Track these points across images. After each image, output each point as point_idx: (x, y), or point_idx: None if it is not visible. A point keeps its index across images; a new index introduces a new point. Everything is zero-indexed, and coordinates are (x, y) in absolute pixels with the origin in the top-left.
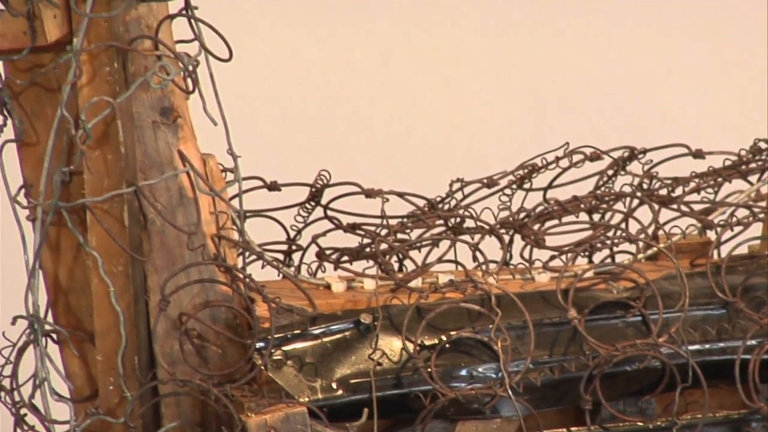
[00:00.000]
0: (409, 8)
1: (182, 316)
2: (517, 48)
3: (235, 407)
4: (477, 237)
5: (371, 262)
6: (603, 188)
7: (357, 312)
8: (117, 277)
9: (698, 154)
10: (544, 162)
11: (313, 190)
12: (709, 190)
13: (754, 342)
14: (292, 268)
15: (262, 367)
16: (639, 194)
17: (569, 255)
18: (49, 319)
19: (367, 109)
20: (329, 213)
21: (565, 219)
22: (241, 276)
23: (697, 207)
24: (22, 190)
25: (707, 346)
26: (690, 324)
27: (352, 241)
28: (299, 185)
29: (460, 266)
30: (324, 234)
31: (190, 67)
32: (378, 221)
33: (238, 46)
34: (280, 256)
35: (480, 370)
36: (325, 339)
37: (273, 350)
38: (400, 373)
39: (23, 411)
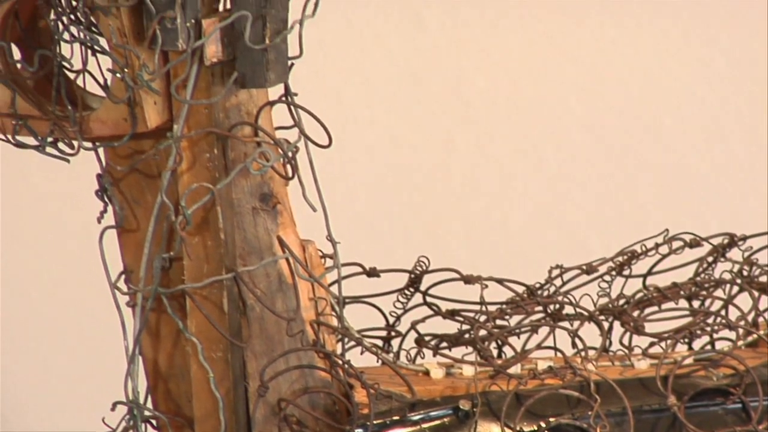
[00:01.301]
0: (505, 92)
1: (281, 402)
2: (613, 133)
3: None
4: (576, 323)
5: (470, 349)
6: (703, 275)
7: (456, 398)
8: (216, 363)
9: None
10: (644, 248)
11: (413, 276)
12: None
13: None
14: (391, 354)
15: None
16: (739, 281)
17: (669, 342)
18: (149, 404)
19: (465, 195)
20: (428, 299)
21: (664, 306)
22: (340, 362)
23: None
24: (122, 276)
25: None
26: None
27: (451, 327)
28: (398, 271)
29: (559, 353)
30: (423, 320)
31: (290, 154)
32: (477, 307)
33: (337, 132)
34: (379, 342)
35: None
36: (424, 425)
37: None
38: None
39: None
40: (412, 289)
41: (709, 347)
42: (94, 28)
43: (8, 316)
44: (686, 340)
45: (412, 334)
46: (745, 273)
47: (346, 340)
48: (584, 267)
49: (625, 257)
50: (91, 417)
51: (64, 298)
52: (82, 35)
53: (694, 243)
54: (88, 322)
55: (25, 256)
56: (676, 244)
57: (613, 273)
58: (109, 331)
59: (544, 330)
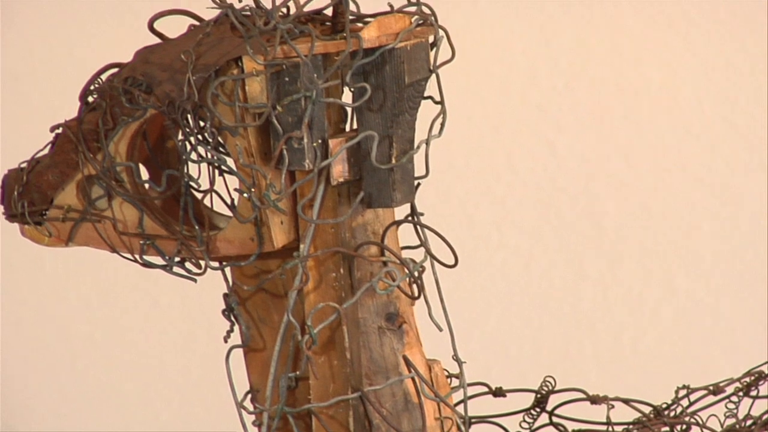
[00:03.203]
0: (634, 215)
1: None
2: (740, 254)
3: None
4: None
5: None
6: None
7: None
8: None
9: None
10: None
11: (539, 396)
12: None
13: None
14: None
15: None
16: None
17: None
18: None
19: (592, 316)
20: (555, 419)
21: None
22: None
23: None
24: (248, 395)
25: None
26: None
27: None
28: (524, 391)
29: None
30: None
31: (416, 273)
32: (604, 428)
33: (464, 252)
34: None
35: None
36: None
37: None
38: None
39: None
40: (538, 409)
41: None
42: (221, 148)
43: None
44: None
45: None
46: None
47: None
48: (711, 387)
49: (753, 378)
50: None
51: (191, 417)
52: (209, 155)
53: None
54: None
55: (152, 377)
56: None
57: (740, 394)
58: None
59: None
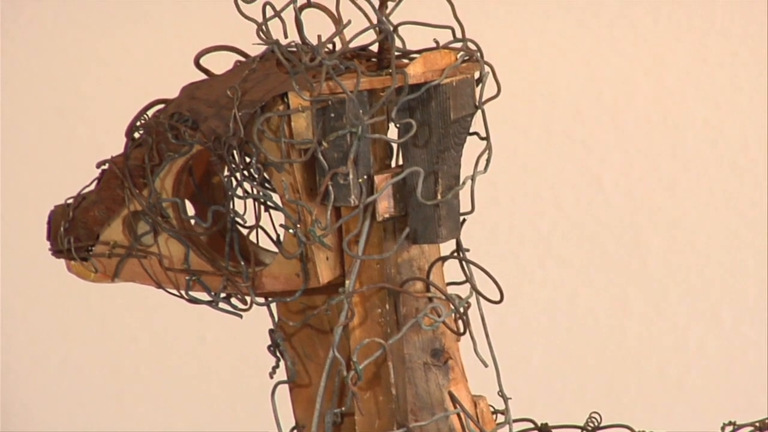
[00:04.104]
0: (679, 250)
1: None
2: None
3: None
4: None
5: None
6: None
7: None
8: None
9: None
10: None
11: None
12: None
13: None
14: None
15: None
16: None
17: None
18: None
19: (638, 351)
20: None
21: None
22: None
23: None
24: (294, 431)
25: None
26: None
27: None
28: (570, 428)
29: None
30: None
31: (461, 309)
32: None
33: (509, 288)
34: None
35: None
36: None
37: None
38: None
39: None
40: None
41: None
42: (267, 184)
43: None
44: None
45: None
46: None
47: None
48: (757, 423)
49: None
50: None
51: None
52: (255, 191)
53: None
54: None
55: (198, 412)
56: None
57: None
58: None
59: None
